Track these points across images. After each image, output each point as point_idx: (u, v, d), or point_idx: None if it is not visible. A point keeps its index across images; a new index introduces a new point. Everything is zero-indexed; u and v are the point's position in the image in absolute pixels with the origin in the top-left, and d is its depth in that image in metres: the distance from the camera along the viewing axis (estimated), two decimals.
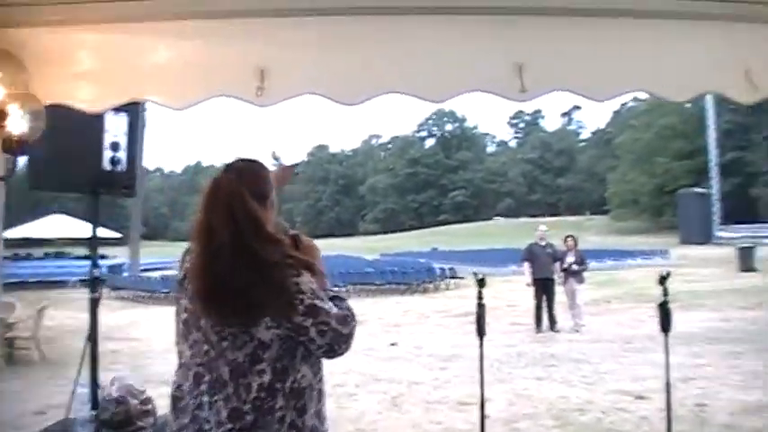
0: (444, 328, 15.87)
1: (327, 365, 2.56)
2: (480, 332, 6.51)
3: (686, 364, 10.61)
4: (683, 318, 15.65)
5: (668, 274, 6.00)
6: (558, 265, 14.68)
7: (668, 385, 6.35)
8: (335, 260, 42.23)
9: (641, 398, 8.57)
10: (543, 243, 14.89)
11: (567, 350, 12.21)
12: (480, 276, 6.46)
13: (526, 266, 14.99)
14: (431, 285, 26.56)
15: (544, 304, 14.59)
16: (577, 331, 14.22)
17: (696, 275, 27.97)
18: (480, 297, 6.51)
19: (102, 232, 38.12)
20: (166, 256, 59.19)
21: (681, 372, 9.96)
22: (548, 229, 15.24)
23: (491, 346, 12.90)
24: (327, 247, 71.40)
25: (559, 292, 14.80)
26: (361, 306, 20.89)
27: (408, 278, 26.29)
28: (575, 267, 14.49)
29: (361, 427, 7.86)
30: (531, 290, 14.76)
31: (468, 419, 7.92)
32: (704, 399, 8.41)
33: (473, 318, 16.11)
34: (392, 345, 13.46)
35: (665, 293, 6.20)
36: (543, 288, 14.55)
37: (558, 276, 14.70)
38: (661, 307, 6.29)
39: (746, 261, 28.95)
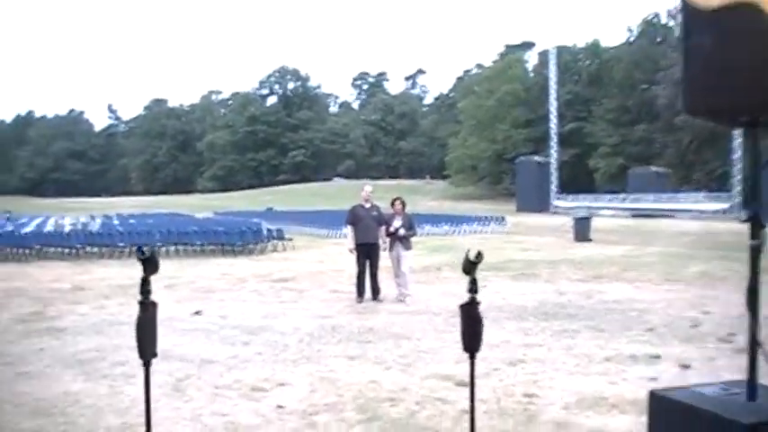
0: (259, 294, 14.46)
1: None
2: None
3: (515, 342, 9.67)
4: (515, 288, 14.93)
5: (479, 257, 4.61)
6: (383, 229, 13.46)
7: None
8: (160, 218, 40.24)
9: (463, 384, 7.49)
10: (368, 205, 13.61)
11: (388, 323, 11.07)
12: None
13: (349, 230, 13.69)
14: (257, 247, 25.08)
15: (367, 271, 13.38)
16: (402, 301, 13.12)
17: (531, 244, 27.82)
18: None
19: None
20: None
21: (508, 352, 9.02)
22: (373, 191, 13.90)
23: (306, 316, 11.72)
24: (161, 205, 69.56)
25: (385, 258, 13.61)
26: (175, 268, 19.38)
27: (233, 239, 24.69)
28: (401, 232, 13.32)
29: (127, 421, 6.42)
30: (354, 256, 13.50)
31: (258, 411, 6.65)
32: (534, 387, 7.41)
33: (292, 283, 15.00)
34: (195, 314, 11.96)
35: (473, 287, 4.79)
36: (366, 254, 13.32)
37: (383, 242, 13.49)
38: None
39: (582, 231, 28.96)
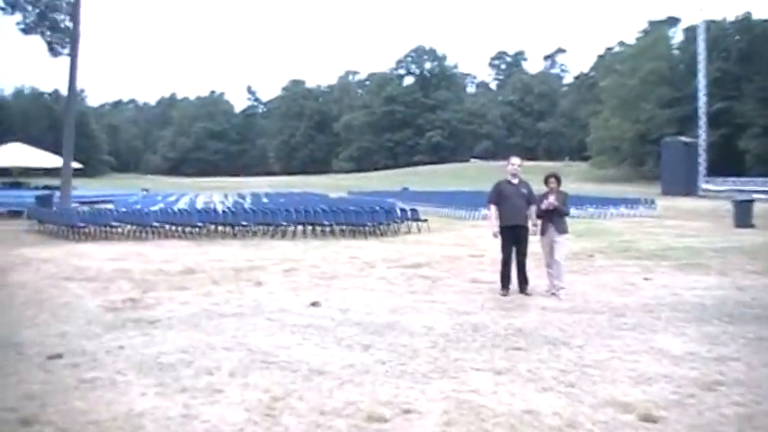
0: (387, 283, 12.63)
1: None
2: None
3: (702, 354, 7.56)
4: (684, 281, 12.64)
5: None
6: (533, 210, 11.37)
7: None
8: (292, 198, 39.28)
9: (649, 419, 5.52)
10: (516, 181, 11.51)
11: (541, 324, 9.07)
12: None
13: (492, 210, 11.51)
14: (389, 228, 23.37)
15: (514, 259, 11.34)
16: (554, 295, 11.04)
17: (687, 229, 25.12)
18: None
19: (57, 162, 35.85)
20: (109, 188, 56.14)
21: (698, 369, 6.97)
22: (522, 164, 11.77)
23: (440, 311, 9.85)
24: (296, 185, 69.22)
25: (534, 243, 11.56)
26: (299, 250, 17.90)
27: (363, 219, 23.02)
28: (556, 214, 11.20)
29: None
30: (498, 240, 11.45)
31: None
32: (748, 427, 5.35)
33: (425, 270, 13.10)
34: (312, 305, 10.27)
35: None
36: (514, 238, 11.24)
37: (532, 224, 11.40)
38: None
39: (744, 216, 25.96)
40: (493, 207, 11.53)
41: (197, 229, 22.25)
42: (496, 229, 11.39)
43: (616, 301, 10.63)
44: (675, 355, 7.46)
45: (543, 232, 11.31)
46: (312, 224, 23.07)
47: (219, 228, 22.85)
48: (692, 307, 10.20)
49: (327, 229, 22.81)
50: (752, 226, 25.42)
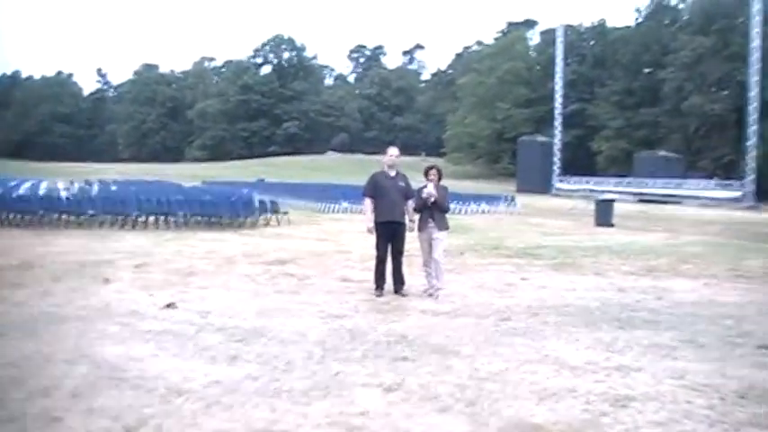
0: (251, 280, 11.61)
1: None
2: None
3: (601, 363, 7.05)
4: (563, 283, 12.24)
5: None
6: (410, 204, 10.61)
7: None
8: (143, 186, 37.38)
9: None
10: (393, 173, 10.70)
11: (424, 329, 8.30)
12: None
13: (368, 204, 10.66)
14: (247, 220, 22.24)
15: (389, 257, 10.54)
16: (432, 296, 10.35)
17: (550, 227, 25.25)
18: None
19: None
20: None
21: (603, 382, 6.41)
22: (399, 155, 10.98)
23: (312, 314, 8.93)
24: (148, 172, 66.64)
25: (411, 240, 10.80)
26: (151, 243, 16.59)
27: (221, 210, 21.78)
28: (436, 209, 10.46)
29: None
30: (371, 237, 10.62)
31: None
32: None
33: (291, 267, 12.04)
34: (167, 307, 9.16)
35: None
36: (390, 235, 10.44)
37: (409, 220, 10.63)
38: None
39: (604, 216, 26.35)
40: (368, 200, 10.67)
41: (37, 218, 20.47)
42: (371, 224, 10.55)
43: (498, 303, 10.02)
44: (574, 366, 6.85)
45: (421, 228, 10.56)
46: (165, 215, 21.66)
47: (63, 217, 21.12)
48: (577, 310, 9.71)
49: (182, 220, 21.49)
50: (612, 225, 25.83)
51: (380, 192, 10.55)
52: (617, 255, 16.55)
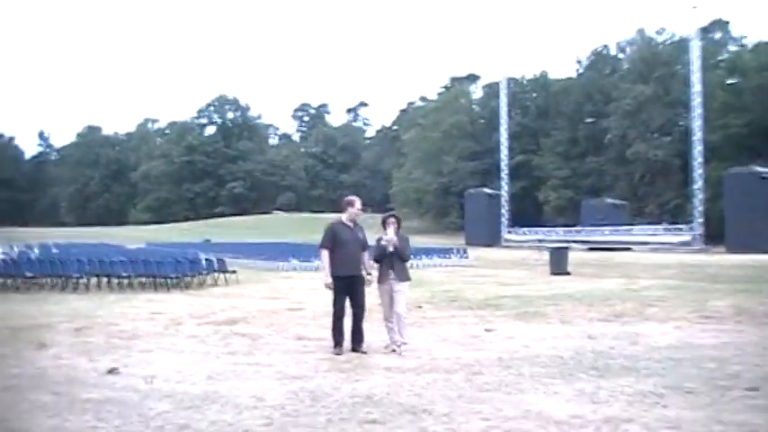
0: (199, 342, 10.83)
1: None
2: None
3: (589, 416, 6.49)
4: (531, 332, 11.73)
5: None
6: (367, 256, 10.00)
7: None
8: (86, 248, 36.24)
9: None
10: (352, 225, 10.14)
11: (391, 388, 7.63)
12: None
13: (325, 257, 9.90)
14: (194, 280, 21.35)
15: (348, 312, 9.86)
16: (395, 351, 9.69)
17: (506, 277, 24.78)
18: None
19: None
20: None
21: None
22: (361, 209, 10.40)
23: (268, 376, 8.23)
24: (93, 236, 65.13)
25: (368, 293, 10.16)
26: (93, 306, 15.70)
27: (166, 270, 20.85)
28: (396, 259, 9.86)
29: None
30: (328, 293, 9.92)
31: None
32: None
33: (242, 326, 11.07)
34: (110, 372, 8.37)
35: None
36: (348, 289, 9.81)
37: (366, 273, 10.00)
38: None
39: (559, 264, 26.02)
40: (325, 253, 9.95)
41: None
42: (329, 279, 9.84)
43: (466, 357, 9.41)
44: (560, 420, 6.29)
45: (381, 280, 9.94)
46: (108, 276, 20.69)
47: (0, 280, 20.09)
48: (550, 360, 9.16)
49: (126, 281, 20.55)
50: (567, 273, 25.49)
51: (340, 244, 9.92)
52: (579, 302, 16.13)
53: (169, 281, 20.46)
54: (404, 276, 9.97)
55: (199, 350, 10.13)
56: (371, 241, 10.14)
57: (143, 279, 20.78)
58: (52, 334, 11.46)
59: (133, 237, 65.06)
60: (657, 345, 10.33)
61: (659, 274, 26.24)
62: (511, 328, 12.19)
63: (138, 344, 10.60)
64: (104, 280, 20.73)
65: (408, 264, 10.39)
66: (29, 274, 20.01)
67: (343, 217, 10.24)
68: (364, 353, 9.70)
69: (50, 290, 19.67)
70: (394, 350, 9.74)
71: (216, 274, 22.47)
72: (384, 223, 10.10)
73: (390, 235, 9.88)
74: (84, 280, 20.43)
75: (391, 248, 9.82)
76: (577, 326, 12.39)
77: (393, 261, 9.87)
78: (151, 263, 21.35)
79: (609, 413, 6.54)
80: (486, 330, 11.87)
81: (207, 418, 6.39)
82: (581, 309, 14.79)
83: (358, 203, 10.27)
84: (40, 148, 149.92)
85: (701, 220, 50.23)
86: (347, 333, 9.92)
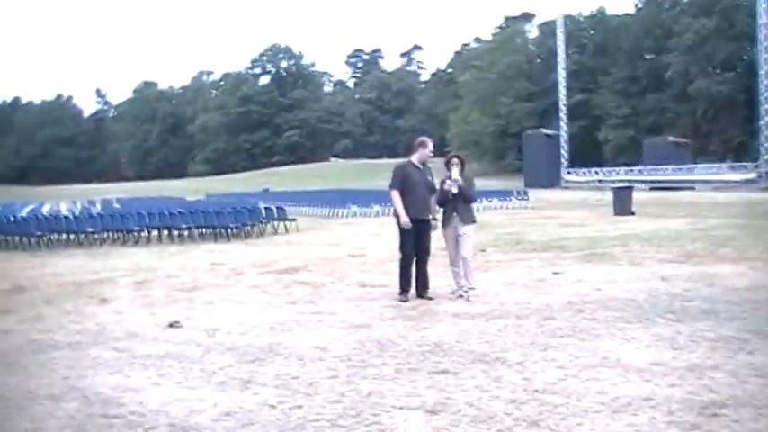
0: (262, 291, 10.66)
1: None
2: None
3: (671, 364, 6.09)
4: (600, 275, 11.36)
5: None
6: (434, 200, 9.64)
7: None
8: (147, 202, 36.48)
9: None
10: (421, 167, 9.76)
11: (460, 336, 7.33)
12: None
13: (396, 198, 9.55)
14: (254, 229, 21.27)
15: (414, 258, 9.54)
16: (463, 297, 9.37)
17: (569, 219, 24.23)
18: None
19: None
20: None
21: (676, 384, 5.45)
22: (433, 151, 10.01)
23: (331, 325, 7.95)
24: (153, 190, 65.87)
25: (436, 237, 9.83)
26: (154, 258, 15.68)
27: (226, 220, 20.77)
28: (461, 200, 9.49)
29: None
30: (388, 238, 9.56)
31: None
32: None
33: (304, 274, 10.69)
34: (171, 326, 8.21)
35: None
36: (417, 234, 9.48)
37: (433, 218, 9.66)
38: None
39: (623, 204, 25.30)
40: (397, 194, 9.59)
41: (36, 240, 19.57)
42: (406, 218, 9.43)
43: (536, 302, 9.06)
44: (640, 368, 5.92)
45: (446, 224, 9.59)
46: (168, 228, 20.76)
47: (63, 237, 20.22)
48: (623, 304, 8.76)
49: (186, 233, 20.56)
50: (632, 213, 24.83)
51: (410, 186, 9.59)
52: (647, 242, 15.61)
53: (229, 231, 20.43)
54: (469, 219, 9.61)
55: (261, 300, 9.94)
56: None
57: (203, 230, 20.78)
58: (113, 288, 11.40)
59: (193, 189, 65.60)
60: (735, 286, 9.85)
61: (726, 212, 25.46)
62: (579, 270, 11.78)
63: (199, 295, 10.47)
64: (165, 233, 20.77)
65: (473, 206, 10.01)
66: (90, 230, 20.08)
67: (414, 158, 9.87)
68: (431, 299, 9.41)
69: (112, 244, 19.79)
70: (461, 295, 9.42)
71: (275, 223, 22.39)
72: (447, 164, 9.70)
73: (455, 174, 9.50)
74: (146, 233, 20.48)
75: (455, 190, 9.44)
76: (648, 267, 11.92)
77: (457, 203, 9.51)
78: (210, 213, 21.33)
79: (692, 360, 6.16)
80: (554, 273, 11.48)
81: (270, 372, 6.16)
82: (650, 250, 14.28)
83: (430, 145, 9.89)
84: (98, 106, 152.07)
85: (767, 157, 48.74)
86: (413, 280, 9.62)
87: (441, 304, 9.13)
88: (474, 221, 9.75)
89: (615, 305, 8.68)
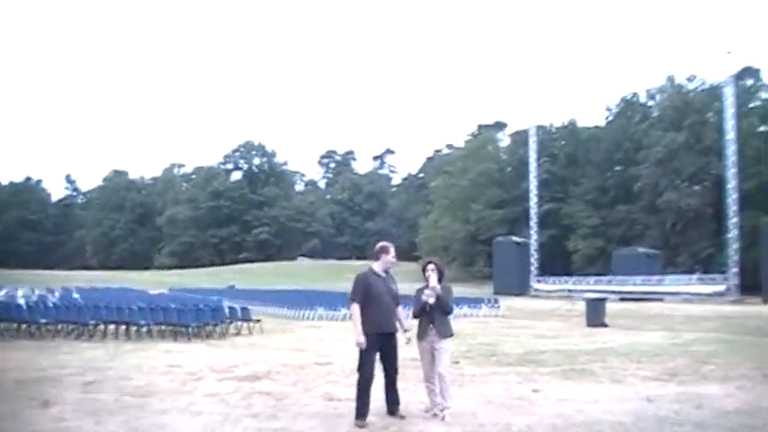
0: (220, 401, 9.81)
1: None
2: None
3: None
4: (580, 393, 10.68)
5: None
6: (401, 311, 8.93)
7: None
8: (107, 293, 35.54)
9: None
10: (384, 275, 8.98)
11: None
12: None
13: (356, 311, 8.62)
14: (217, 329, 20.39)
15: (380, 373, 8.73)
16: (436, 416, 8.61)
17: (541, 329, 23.76)
18: None
19: None
20: None
21: None
22: (395, 256, 9.21)
23: None
24: (116, 280, 64.70)
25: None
26: (108, 356, 14.80)
27: (187, 318, 19.87)
28: (438, 312, 8.82)
29: None
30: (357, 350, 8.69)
31: None
32: None
33: (266, 383, 9.61)
34: None
35: None
36: (383, 349, 8.66)
37: (402, 329, 8.85)
38: None
39: (596, 315, 24.96)
40: (357, 307, 8.67)
41: None
42: (362, 337, 8.49)
43: (517, 423, 8.37)
44: None
45: (421, 337, 8.87)
46: (126, 323, 19.80)
47: (14, 326, 19.22)
48: (610, 427, 8.14)
49: (144, 329, 19.63)
50: (605, 325, 24.43)
51: (372, 297, 8.71)
52: (626, 357, 15.06)
53: (190, 329, 19.51)
54: (446, 332, 8.90)
55: (218, 412, 9.11)
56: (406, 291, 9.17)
57: (163, 327, 19.89)
58: (59, 389, 10.52)
59: (157, 282, 64.57)
60: (725, 409, 9.30)
61: (701, 326, 25.18)
62: (558, 388, 11.11)
63: (151, 403, 9.61)
64: (122, 327, 19.85)
65: (451, 317, 9.31)
66: (42, 321, 19.14)
67: (375, 265, 9.05)
68: (402, 417, 8.62)
69: (65, 337, 18.83)
70: (436, 414, 8.67)
71: (239, 323, 21.54)
72: (424, 270, 9.05)
73: (433, 281, 8.85)
74: (102, 327, 19.56)
75: (432, 300, 8.78)
76: (631, 386, 11.32)
77: (434, 315, 8.81)
78: (171, 310, 20.45)
79: None
80: (534, 391, 10.81)
81: None
82: (630, 366, 13.69)
83: (392, 250, 9.09)
84: (67, 192, 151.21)
85: (735, 269, 49.04)
86: (379, 396, 8.78)
87: (414, 424, 8.37)
88: (452, 334, 9.03)
89: (601, 429, 8.03)
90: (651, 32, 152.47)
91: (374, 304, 8.70)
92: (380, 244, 9.24)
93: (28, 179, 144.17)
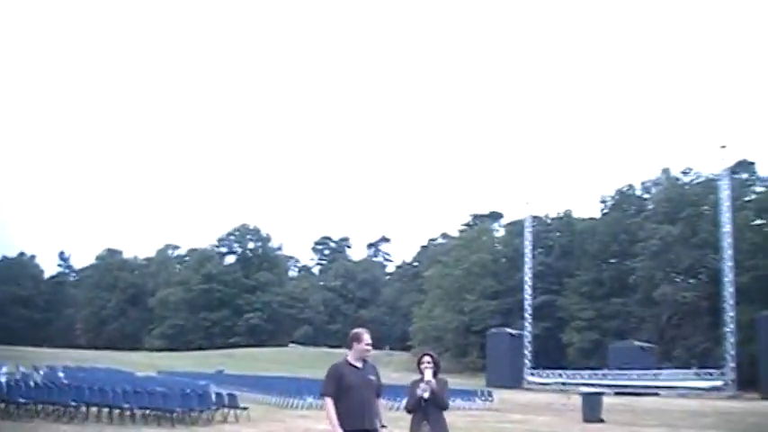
0: None
1: None
2: None
3: None
4: None
5: None
6: (380, 405, 8.25)
7: None
8: (94, 374, 34.88)
9: None
10: (360, 365, 8.18)
11: None
12: None
13: (330, 406, 7.84)
14: (202, 416, 19.77)
15: None
16: None
17: (537, 424, 23.14)
18: None
19: None
20: None
21: None
22: (371, 344, 8.33)
23: None
24: (104, 360, 63.70)
25: None
26: None
27: (172, 403, 19.26)
28: (433, 407, 8.26)
29: None
30: None
31: None
32: None
33: None
34: None
35: None
36: None
37: (381, 426, 8.07)
38: None
39: (593, 410, 24.41)
40: (330, 402, 7.89)
41: None
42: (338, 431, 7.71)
43: None
44: None
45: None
46: (109, 406, 19.21)
47: None
48: None
49: (127, 413, 19.04)
50: (602, 420, 23.84)
51: (345, 390, 7.94)
52: None
53: (174, 415, 18.92)
54: (441, 429, 8.36)
55: None
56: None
57: (147, 411, 19.28)
58: None
59: (146, 363, 63.65)
60: None
61: (699, 423, 24.74)
62: None
63: None
64: (105, 410, 19.25)
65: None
66: (21, 401, 18.56)
67: (350, 356, 8.29)
68: None
69: (45, 418, 18.22)
70: None
71: (226, 410, 20.93)
72: (419, 363, 8.51)
73: (428, 375, 8.35)
74: (84, 409, 18.95)
75: (427, 395, 8.27)
76: None
77: (428, 410, 8.25)
78: (156, 394, 19.89)
79: None
80: None
81: None
82: None
83: (366, 337, 8.28)
84: (60, 268, 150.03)
85: (732, 364, 48.46)
86: None
87: None
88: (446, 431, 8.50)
89: None
90: (646, 125, 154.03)
91: (348, 398, 7.94)
92: (353, 331, 8.48)
93: (21, 254, 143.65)
